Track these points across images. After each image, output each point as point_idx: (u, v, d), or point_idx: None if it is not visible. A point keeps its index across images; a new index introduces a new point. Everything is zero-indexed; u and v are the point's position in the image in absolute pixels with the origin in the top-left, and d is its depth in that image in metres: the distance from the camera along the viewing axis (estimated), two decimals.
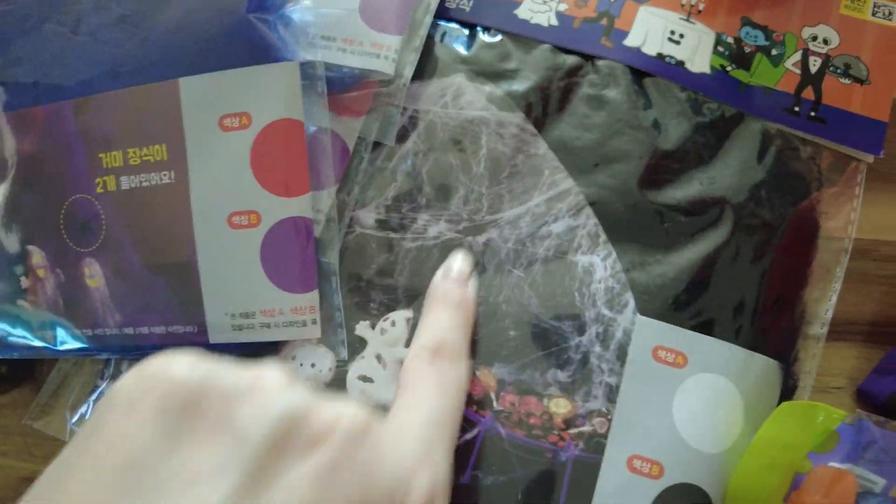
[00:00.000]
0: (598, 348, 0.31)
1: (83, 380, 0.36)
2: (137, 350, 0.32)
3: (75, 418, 0.35)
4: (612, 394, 0.31)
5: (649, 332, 0.31)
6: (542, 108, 0.36)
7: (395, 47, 0.33)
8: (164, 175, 0.30)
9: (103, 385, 0.35)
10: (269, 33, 0.29)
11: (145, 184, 0.30)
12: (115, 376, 0.35)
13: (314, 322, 0.30)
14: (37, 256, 0.32)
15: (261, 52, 0.29)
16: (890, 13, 0.38)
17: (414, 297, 0.33)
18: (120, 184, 0.31)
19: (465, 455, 0.30)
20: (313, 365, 0.32)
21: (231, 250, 0.30)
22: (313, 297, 0.31)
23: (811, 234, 0.35)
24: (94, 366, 0.36)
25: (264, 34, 0.29)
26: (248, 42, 0.29)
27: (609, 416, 0.31)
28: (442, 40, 0.37)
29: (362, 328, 0.33)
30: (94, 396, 0.35)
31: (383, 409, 0.31)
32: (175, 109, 0.29)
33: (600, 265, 0.32)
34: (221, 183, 0.29)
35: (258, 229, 0.30)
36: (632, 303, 0.32)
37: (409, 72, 0.34)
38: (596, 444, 0.30)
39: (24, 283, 0.33)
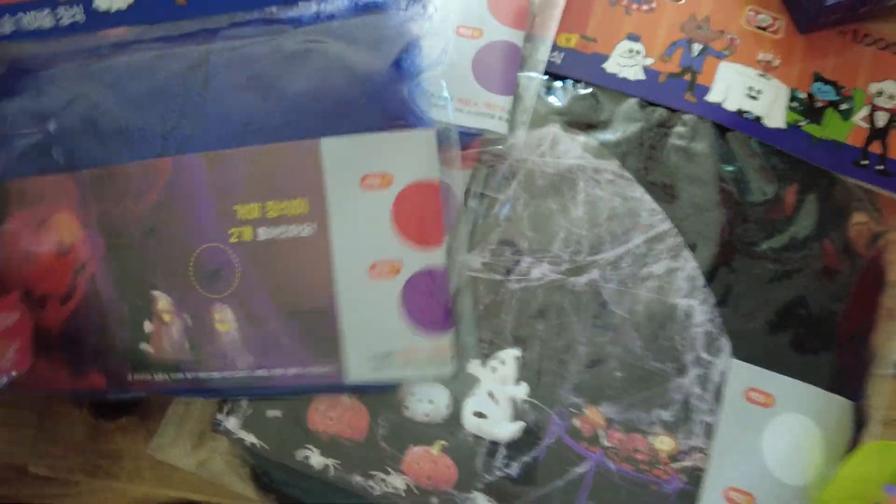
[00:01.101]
0: (697, 389, 0.34)
1: (199, 412, 0.38)
2: (266, 390, 0.34)
3: (194, 445, 0.37)
4: (709, 431, 0.33)
5: (743, 375, 0.34)
6: (635, 156, 0.38)
7: (507, 107, 0.35)
8: (305, 227, 0.32)
9: (222, 418, 0.37)
10: (405, 99, 0.31)
11: (284, 235, 0.32)
12: (232, 411, 0.36)
13: (452, 358, 0.33)
14: (162, 301, 0.34)
15: (394, 114, 0.31)
16: None
17: (521, 337, 0.35)
18: (257, 235, 0.32)
19: (578, 488, 0.33)
20: (431, 401, 0.34)
21: (372, 297, 0.32)
22: (449, 336, 0.33)
23: (879, 282, 0.38)
24: (210, 401, 0.38)
25: (401, 99, 0.31)
26: (383, 105, 0.31)
27: (707, 452, 0.33)
28: (535, 92, 0.39)
29: (474, 366, 0.35)
30: (213, 427, 0.37)
31: (497, 445, 0.34)
32: (316, 166, 0.31)
33: (699, 309, 0.35)
34: (363, 236, 0.31)
35: (398, 278, 0.32)
36: (727, 347, 0.34)
37: (522, 133, 0.36)
38: (697, 478, 0.33)
39: (148, 327, 0.34)
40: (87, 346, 0.35)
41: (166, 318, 0.34)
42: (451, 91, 0.36)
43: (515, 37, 0.37)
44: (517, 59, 0.37)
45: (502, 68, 0.37)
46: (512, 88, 0.36)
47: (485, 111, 0.35)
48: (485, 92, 0.36)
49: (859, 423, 0.36)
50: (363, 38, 0.31)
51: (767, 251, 0.36)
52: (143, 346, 0.35)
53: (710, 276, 0.35)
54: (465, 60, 0.37)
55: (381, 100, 0.31)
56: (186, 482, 0.39)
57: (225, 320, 0.33)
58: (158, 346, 0.34)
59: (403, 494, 0.33)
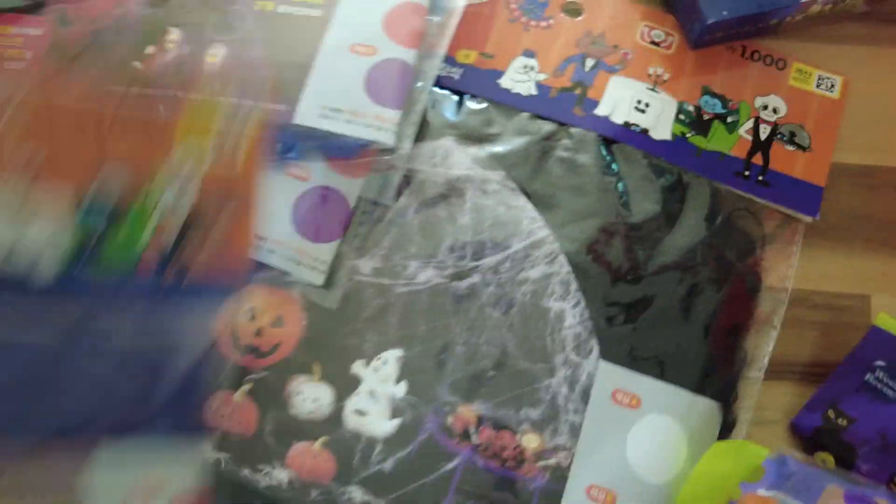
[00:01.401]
0: (565, 389, 0.35)
1: None
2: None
3: None
4: (575, 431, 0.35)
5: (610, 377, 0.36)
6: (521, 167, 0.40)
7: (395, 120, 0.37)
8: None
9: None
10: None
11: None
12: None
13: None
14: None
15: None
16: (832, 85, 0.42)
17: (404, 337, 0.37)
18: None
19: (447, 483, 0.35)
20: (315, 400, 0.36)
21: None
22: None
23: (753, 288, 0.39)
24: None
25: None
26: None
27: (572, 451, 0.35)
28: (433, 106, 0.41)
29: (357, 367, 0.37)
30: None
31: (374, 441, 0.35)
32: None
33: (570, 312, 0.36)
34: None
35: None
36: (597, 349, 0.36)
37: (408, 144, 0.38)
38: (560, 476, 0.35)
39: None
40: None
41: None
42: (345, 104, 0.38)
43: (407, 55, 0.39)
44: (408, 76, 0.39)
45: (393, 84, 0.38)
46: (401, 103, 0.38)
47: (374, 123, 0.37)
48: (375, 105, 0.38)
49: (728, 423, 0.37)
50: None
51: (645, 257, 0.38)
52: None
53: (583, 279, 0.37)
54: (358, 76, 0.39)
55: None
56: None
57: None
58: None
59: (286, 487, 0.35)
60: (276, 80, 0.38)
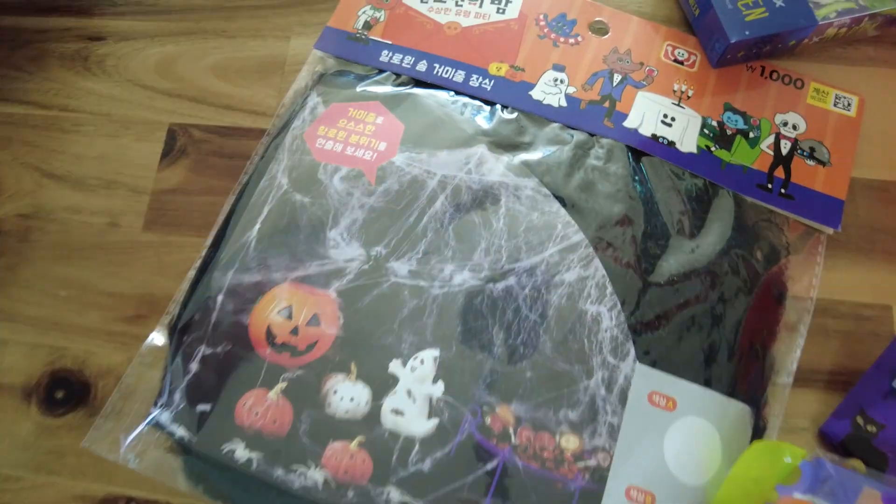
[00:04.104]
0: (602, 391, 0.34)
1: (137, 407, 0.38)
2: None
3: (130, 439, 0.37)
4: (613, 432, 0.34)
5: (646, 379, 0.34)
6: (554, 174, 0.39)
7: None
8: None
9: (155, 412, 0.37)
10: None
11: None
12: (166, 405, 0.37)
13: None
14: None
15: None
16: (849, 104, 0.42)
17: (441, 337, 0.36)
18: None
19: (487, 483, 0.33)
20: (352, 399, 0.35)
21: None
22: None
23: (780, 296, 0.38)
24: (149, 394, 0.38)
25: None
26: None
27: (611, 452, 0.33)
28: (466, 115, 0.40)
29: (395, 366, 0.35)
30: (146, 422, 0.37)
31: (412, 441, 0.34)
32: None
33: (607, 315, 0.35)
34: None
35: None
36: (633, 351, 0.35)
37: None
38: (599, 476, 0.33)
39: None
40: None
41: None
42: None
43: None
44: None
45: None
46: None
47: None
48: None
49: (759, 428, 0.36)
50: None
51: (673, 264, 0.37)
52: None
53: (618, 284, 0.36)
54: None
55: None
56: (126, 479, 0.39)
57: None
58: None
59: (321, 488, 0.33)
60: None
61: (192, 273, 0.40)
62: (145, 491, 0.39)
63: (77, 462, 0.39)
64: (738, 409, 0.35)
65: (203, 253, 0.40)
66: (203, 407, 0.36)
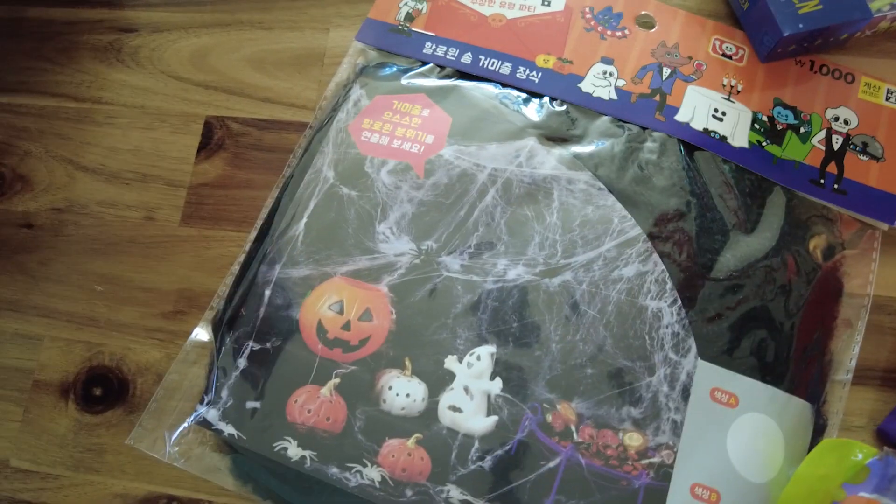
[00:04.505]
0: (665, 388, 0.33)
1: (181, 405, 0.37)
2: None
3: (174, 437, 0.36)
4: (677, 429, 0.33)
5: (708, 375, 0.34)
6: (607, 167, 0.38)
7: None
8: None
9: (202, 409, 0.36)
10: None
11: None
12: (213, 402, 0.36)
13: None
14: None
15: None
16: None
17: (497, 333, 0.35)
18: None
19: (549, 481, 0.32)
20: (408, 395, 0.34)
21: None
22: None
23: (836, 292, 0.38)
24: (193, 391, 0.37)
25: None
26: None
27: (675, 449, 0.33)
28: (515, 107, 0.40)
29: (450, 362, 0.34)
30: (191, 419, 0.36)
31: (471, 438, 0.33)
32: None
33: (667, 311, 0.35)
34: None
35: None
36: (694, 348, 0.34)
37: None
38: (664, 474, 0.32)
39: None
40: None
41: None
42: None
43: None
44: None
45: None
46: None
47: None
48: None
49: (819, 426, 0.36)
50: None
51: (730, 259, 0.36)
52: None
53: (678, 280, 0.35)
54: None
55: None
56: (167, 477, 0.38)
57: None
58: None
59: (378, 486, 0.33)
60: None
61: (235, 268, 0.39)
62: (187, 490, 0.38)
63: (116, 460, 0.38)
64: (798, 406, 0.35)
65: (247, 247, 0.39)
66: (252, 404, 0.35)
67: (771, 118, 0.41)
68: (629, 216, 0.37)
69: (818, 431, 0.35)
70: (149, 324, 0.41)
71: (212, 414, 0.35)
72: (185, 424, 0.36)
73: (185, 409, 0.37)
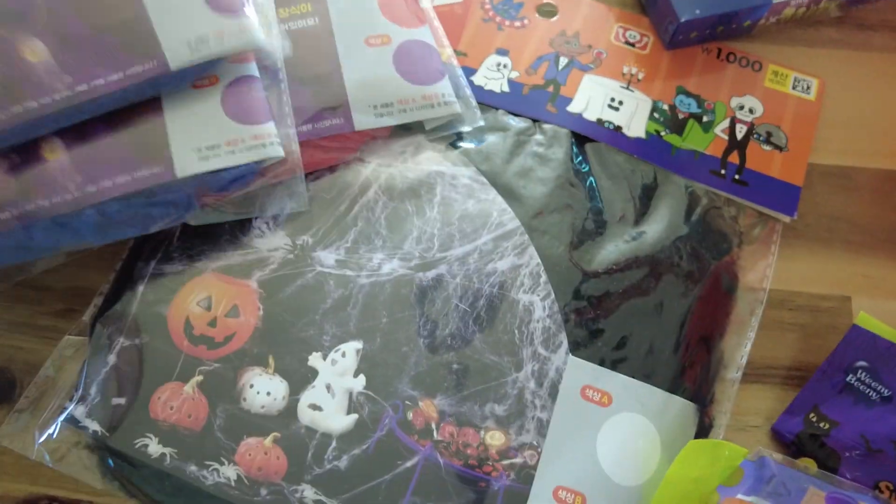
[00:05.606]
0: (532, 385, 0.32)
1: (55, 402, 0.36)
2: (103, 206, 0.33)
3: (42, 438, 0.36)
4: (542, 428, 0.32)
5: (579, 372, 0.33)
6: (493, 161, 0.37)
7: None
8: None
9: (70, 406, 0.35)
10: None
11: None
12: (82, 399, 0.35)
13: (273, 143, 0.34)
14: None
15: None
16: (808, 87, 0.41)
17: (366, 329, 0.34)
18: None
19: (406, 482, 0.31)
20: (269, 393, 0.33)
21: (195, 98, 0.33)
22: (270, 126, 0.34)
23: (730, 287, 0.36)
24: (69, 388, 0.36)
25: None
26: None
27: (539, 449, 0.32)
28: None
29: (314, 359, 0.34)
30: (62, 417, 0.36)
31: (329, 437, 0.32)
32: None
33: (539, 305, 0.34)
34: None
35: (219, 85, 0.34)
36: (565, 343, 0.33)
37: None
38: (526, 475, 0.31)
39: None
40: None
41: None
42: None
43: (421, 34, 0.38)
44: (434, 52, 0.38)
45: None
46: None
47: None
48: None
49: (705, 426, 0.34)
50: None
51: (611, 253, 0.35)
52: None
53: (554, 273, 0.34)
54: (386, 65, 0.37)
55: None
56: (49, 477, 0.38)
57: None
58: None
59: (234, 485, 0.32)
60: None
61: (118, 264, 0.39)
62: (68, 490, 0.37)
63: None
64: (680, 406, 0.33)
65: (130, 243, 0.39)
66: (118, 400, 0.34)
67: (672, 107, 0.40)
68: (509, 209, 0.36)
69: (703, 433, 0.34)
70: (39, 322, 0.41)
71: (79, 411, 0.34)
72: (55, 422, 0.36)
73: (59, 406, 0.36)
